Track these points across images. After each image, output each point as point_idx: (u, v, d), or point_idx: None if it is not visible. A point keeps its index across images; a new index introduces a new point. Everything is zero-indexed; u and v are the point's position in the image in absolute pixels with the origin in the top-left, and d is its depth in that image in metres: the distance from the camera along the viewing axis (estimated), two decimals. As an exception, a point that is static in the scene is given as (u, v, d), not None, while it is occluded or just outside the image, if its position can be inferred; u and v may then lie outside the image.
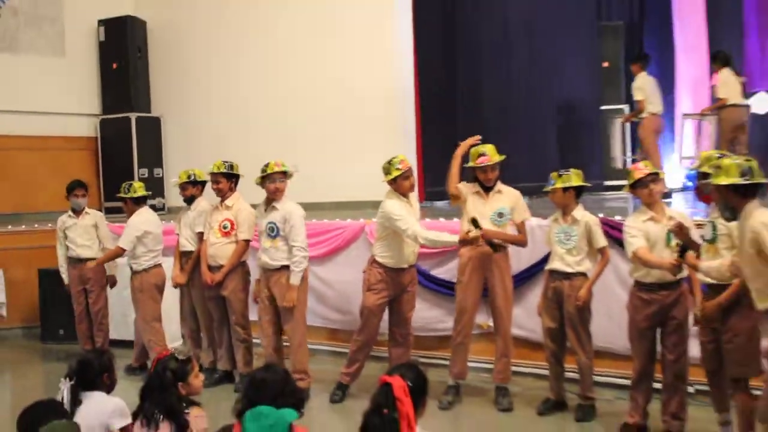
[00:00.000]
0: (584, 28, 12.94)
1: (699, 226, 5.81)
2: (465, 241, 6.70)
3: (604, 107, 12.75)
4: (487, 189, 6.92)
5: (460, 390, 7.16)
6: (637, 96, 10.87)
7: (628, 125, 12.03)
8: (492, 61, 12.63)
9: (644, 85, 10.86)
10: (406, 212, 6.91)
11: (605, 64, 13.12)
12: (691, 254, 5.21)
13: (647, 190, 5.97)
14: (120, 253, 8.21)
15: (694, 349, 5.85)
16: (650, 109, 10.82)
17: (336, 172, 10.85)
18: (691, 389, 6.16)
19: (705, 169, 5.24)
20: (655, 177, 6.00)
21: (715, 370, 5.57)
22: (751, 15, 13.28)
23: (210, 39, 12.43)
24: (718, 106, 10.91)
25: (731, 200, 4.60)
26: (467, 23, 12.97)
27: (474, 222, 6.64)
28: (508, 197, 6.94)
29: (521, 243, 7.06)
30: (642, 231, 5.90)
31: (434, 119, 11.56)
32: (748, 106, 11.09)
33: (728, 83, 10.87)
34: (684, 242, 5.23)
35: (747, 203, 4.54)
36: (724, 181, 4.59)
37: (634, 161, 10.99)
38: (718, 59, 11.17)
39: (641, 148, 11.05)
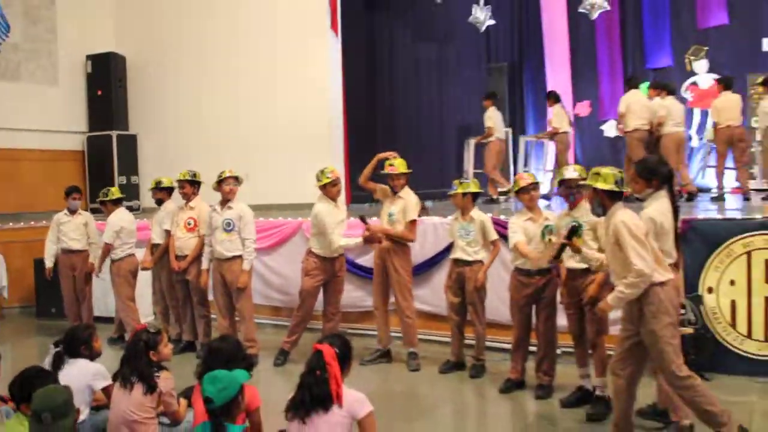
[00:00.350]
0: (475, 67, 13.12)
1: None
2: (367, 239, 6.75)
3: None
4: (395, 193, 6.93)
5: (390, 353, 7.17)
6: (487, 123, 11.08)
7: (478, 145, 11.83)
8: (405, 92, 12.77)
9: (492, 116, 11.11)
10: (332, 219, 6.89)
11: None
12: (576, 240, 5.17)
13: (528, 196, 6.01)
14: (109, 248, 8.00)
15: (562, 319, 5.92)
16: (497, 135, 11.04)
17: (279, 179, 10.75)
18: (558, 351, 6.23)
19: (591, 180, 5.14)
20: (535, 185, 6.04)
21: (578, 335, 5.69)
22: (603, 61, 13.73)
23: (177, 70, 12.20)
24: (552, 133, 11.18)
25: (604, 201, 4.69)
26: (386, 62, 13.07)
27: (362, 219, 6.77)
28: (402, 201, 6.86)
29: (405, 238, 6.87)
30: (522, 228, 5.96)
31: (359, 137, 11.53)
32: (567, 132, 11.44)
33: (559, 115, 11.20)
34: (568, 234, 5.21)
35: (614, 204, 4.64)
36: (602, 186, 4.66)
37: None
38: (551, 96, 11.49)
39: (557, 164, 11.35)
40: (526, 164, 12.87)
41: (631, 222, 4.44)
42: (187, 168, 7.80)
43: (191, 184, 7.67)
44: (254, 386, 3.55)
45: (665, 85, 10.33)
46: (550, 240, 5.76)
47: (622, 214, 4.52)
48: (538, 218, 5.99)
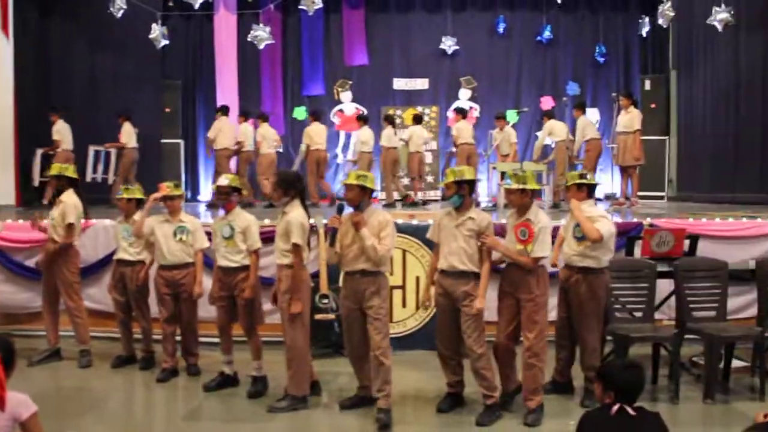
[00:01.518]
0: (152, 82, 12.69)
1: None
2: None
3: (164, 140, 12.70)
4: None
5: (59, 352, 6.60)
6: (55, 137, 10.72)
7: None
8: (82, 101, 11.90)
9: (62, 129, 10.78)
10: None
11: (167, 110, 13.00)
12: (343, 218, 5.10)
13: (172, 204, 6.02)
14: None
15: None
16: (64, 147, 10.72)
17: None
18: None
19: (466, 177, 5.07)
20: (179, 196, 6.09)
21: (223, 326, 5.72)
22: (266, 85, 14.13)
23: None
24: (118, 146, 11.01)
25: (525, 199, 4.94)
26: (62, 70, 12.04)
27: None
28: (62, 205, 6.29)
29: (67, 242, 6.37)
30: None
31: (30, 143, 10.50)
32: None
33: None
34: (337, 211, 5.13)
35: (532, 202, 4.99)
36: (531, 186, 4.94)
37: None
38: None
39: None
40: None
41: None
42: None
43: None
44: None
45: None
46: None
47: (536, 210, 4.98)
48: (174, 220, 6.02)
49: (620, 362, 3.53)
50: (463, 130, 11.36)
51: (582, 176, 5.42)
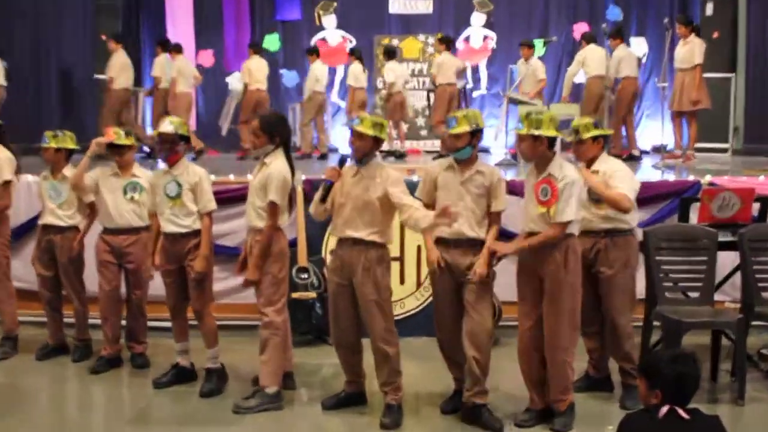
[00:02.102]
0: (81, 2, 12.52)
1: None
2: None
3: (97, 76, 12.40)
4: None
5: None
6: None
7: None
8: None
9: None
10: None
11: (102, 37, 12.83)
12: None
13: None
14: None
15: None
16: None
17: None
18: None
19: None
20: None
21: (174, 306, 5.75)
22: (230, 10, 14.02)
23: None
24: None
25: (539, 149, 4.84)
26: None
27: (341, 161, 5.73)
28: None
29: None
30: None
31: None
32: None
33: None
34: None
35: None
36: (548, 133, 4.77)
37: None
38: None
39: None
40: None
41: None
42: None
43: None
44: None
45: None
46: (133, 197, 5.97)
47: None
48: (125, 174, 6.02)
49: (670, 353, 3.44)
50: (446, 66, 11.39)
51: (596, 125, 5.31)
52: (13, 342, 6.54)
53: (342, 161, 5.11)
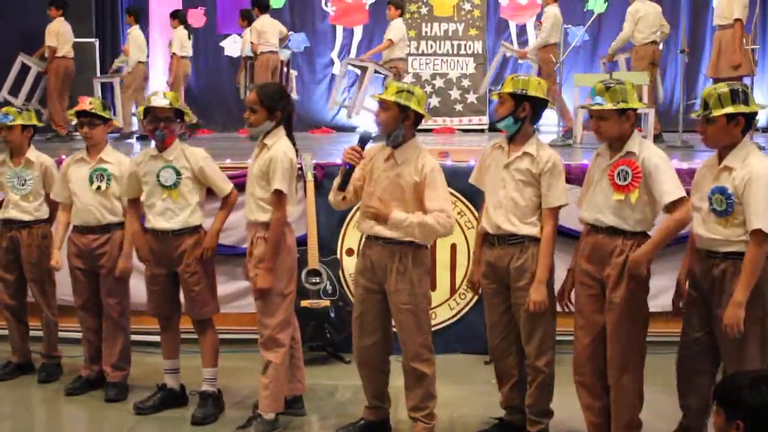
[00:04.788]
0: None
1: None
2: None
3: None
4: None
5: None
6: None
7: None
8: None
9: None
10: None
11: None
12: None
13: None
14: None
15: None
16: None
17: None
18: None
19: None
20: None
21: (168, 317, 5.68)
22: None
23: None
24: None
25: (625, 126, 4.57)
26: None
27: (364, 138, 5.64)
28: None
29: None
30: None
31: None
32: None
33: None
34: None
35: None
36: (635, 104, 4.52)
37: None
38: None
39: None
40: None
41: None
42: None
43: None
44: None
45: None
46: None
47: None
48: (91, 159, 5.87)
49: (750, 376, 3.30)
50: (395, 30, 11.20)
51: (734, 98, 4.32)
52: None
53: (364, 139, 4.89)
